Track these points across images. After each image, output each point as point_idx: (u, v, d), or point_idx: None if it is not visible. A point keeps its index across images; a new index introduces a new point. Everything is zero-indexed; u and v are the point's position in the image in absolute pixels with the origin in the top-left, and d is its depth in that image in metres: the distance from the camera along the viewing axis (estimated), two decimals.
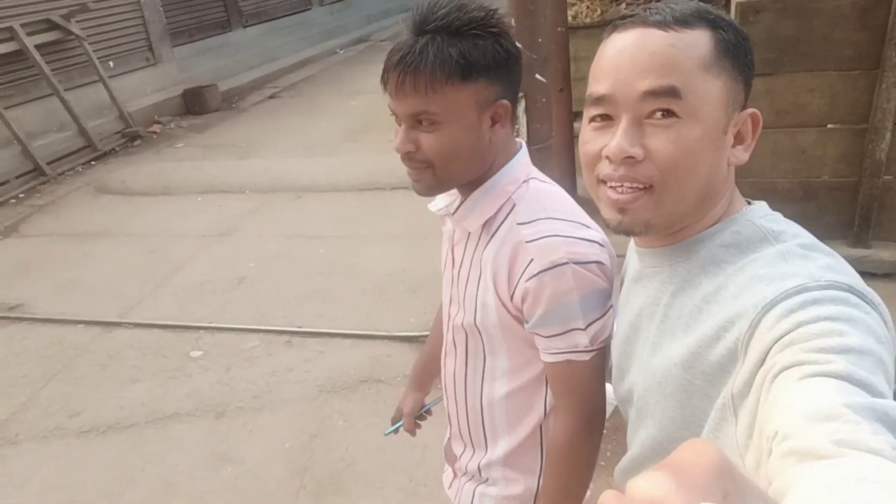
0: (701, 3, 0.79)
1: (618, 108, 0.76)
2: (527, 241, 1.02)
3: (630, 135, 0.75)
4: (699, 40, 0.74)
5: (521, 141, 1.14)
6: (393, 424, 1.54)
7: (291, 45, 10.51)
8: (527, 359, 1.13)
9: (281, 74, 9.46)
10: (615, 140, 0.75)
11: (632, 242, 0.92)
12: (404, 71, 0.96)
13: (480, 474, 1.27)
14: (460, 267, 1.17)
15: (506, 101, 1.04)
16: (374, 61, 9.69)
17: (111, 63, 6.89)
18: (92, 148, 6.41)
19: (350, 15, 12.83)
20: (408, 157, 1.03)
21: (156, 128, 7.11)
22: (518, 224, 1.05)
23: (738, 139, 0.79)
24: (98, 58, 6.68)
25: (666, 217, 0.78)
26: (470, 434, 1.26)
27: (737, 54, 0.77)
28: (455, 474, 1.35)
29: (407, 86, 0.97)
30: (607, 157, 0.77)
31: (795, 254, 0.72)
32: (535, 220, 1.04)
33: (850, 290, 0.66)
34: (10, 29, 5.96)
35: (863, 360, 0.58)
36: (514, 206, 1.07)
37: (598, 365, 1.08)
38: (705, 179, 0.76)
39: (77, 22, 6.54)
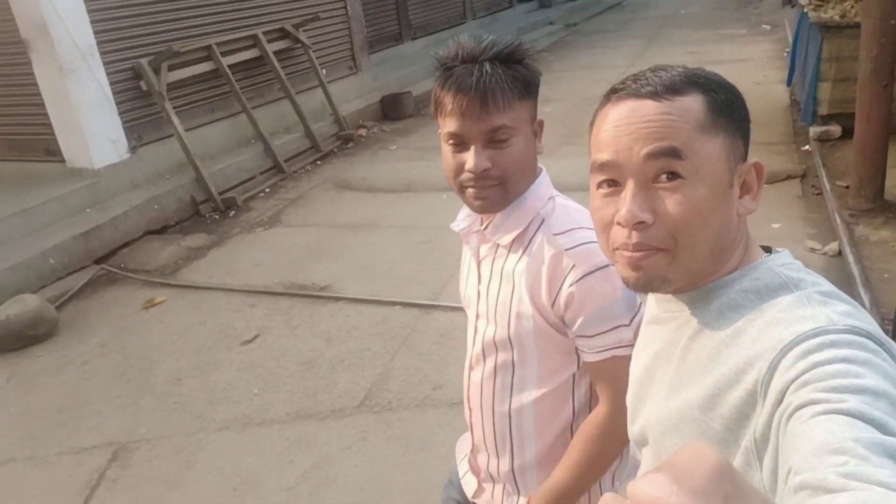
0: (689, 68, 0.81)
1: (623, 173, 0.77)
2: (566, 249, 1.11)
3: (639, 199, 0.76)
4: (692, 105, 0.76)
5: (542, 166, 1.23)
6: None
7: None
8: (557, 365, 1.19)
9: None
10: (625, 206, 0.76)
11: None
12: (484, 91, 1.07)
13: (516, 481, 1.29)
14: (489, 282, 1.22)
15: (542, 119, 1.18)
16: (544, 71, 9.64)
17: (323, 71, 7.28)
18: (316, 149, 6.78)
19: (500, 28, 13.05)
20: (482, 176, 1.11)
21: (362, 132, 7.45)
22: (554, 235, 1.13)
23: (745, 189, 0.80)
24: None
25: (681, 273, 0.78)
26: (496, 443, 1.28)
27: (730, 112, 0.78)
28: (480, 485, 1.37)
29: (489, 104, 1.07)
30: (619, 223, 0.77)
31: (815, 300, 0.71)
32: (570, 230, 1.13)
33: (869, 336, 0.65)
34: (255, 37, 6.42)
35: (878, 401, 0.58)
36: (544, 220, 1.15)
37: None
38: (717, 234, 0.76)
39: (303, 31, 6.97)
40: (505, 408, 1.24)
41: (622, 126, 0.77)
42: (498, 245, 1.20)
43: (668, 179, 0.75)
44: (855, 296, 3.25)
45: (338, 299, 3.96)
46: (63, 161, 5.15)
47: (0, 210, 4.59)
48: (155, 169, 5.50)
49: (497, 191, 1.12)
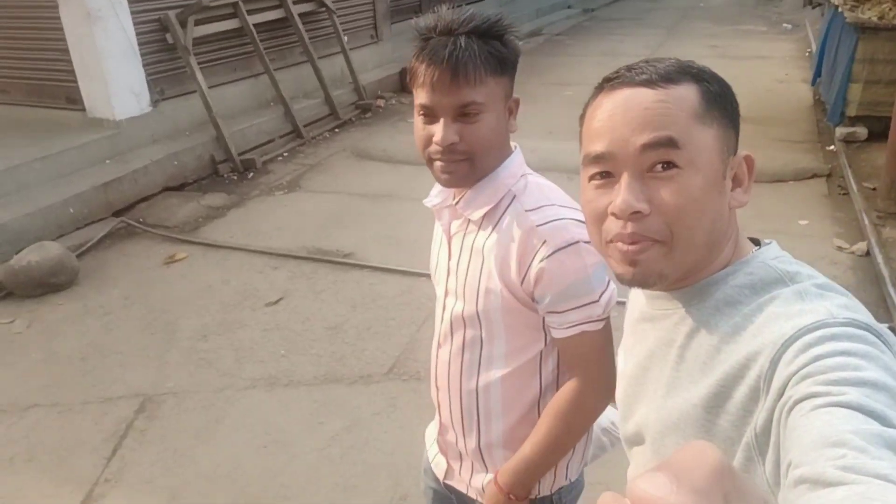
0: (681, 60, 0.81)
1: (618, 165, 0.77)
2: (537, 225, 1.10)
3: (634, 190, 0.75)
4: (687, 93, 0.76)
5: (516, 143, 1.22)
6: None
7: None
8: (525, 342, 1.19)
9: None
10: (620, 196, 0.75)
11: None
12: (455, 65, 1.05)
13: (483, 459, 1.29)
14: (459, 258, 1.22)
15: (517, 97, 1.17)
16: (562, 54, 9.74)
17: (345, 37, 7.17)
18: (334, 116, 6.71)
19: (520, 8, 12.90)
20: (449, 150, 1.10)
21: (380, 102, 7.37)
22: (526, 211, 1.12)
23: (737, 182, 0.80)
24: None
25: (678, 267, 0.77)
26: (462, 421, 1.28)
27: (723, 103, 0.78)
28: (450, 465, 1.37)
29: (460, 78, 1.06)
30: (613, 214, 0.77)
31: (812, 293, 0.71)
32: (541, 207, 1.13)
33: (868, 328, 0.66)
34: None
35: (877, 393, 0.58)
36: (515, 196, 1.15)
37: (608, 332, 1.17)
38: (712, 225, 0.76)
39: None
40: (472, 385, 1.24)
41: (617, 115, 0.76)
42: (469, 220, 1.20)
43: (664, 169, 0.74)
44: (885, 295, 3.27)
45: (362, 267, 3.95)
46: (83, 110, 5.07)
47: (22, 154, 4.51)
48: (175, 125, 5.43)
49: (464, 165, 1.12)
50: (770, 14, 12.39)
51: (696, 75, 0.78)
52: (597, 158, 0.78)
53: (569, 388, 1.17)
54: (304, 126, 6.29)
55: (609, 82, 0.80)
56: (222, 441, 2.66)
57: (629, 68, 0.79)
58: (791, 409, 0.61)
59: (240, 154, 5.53)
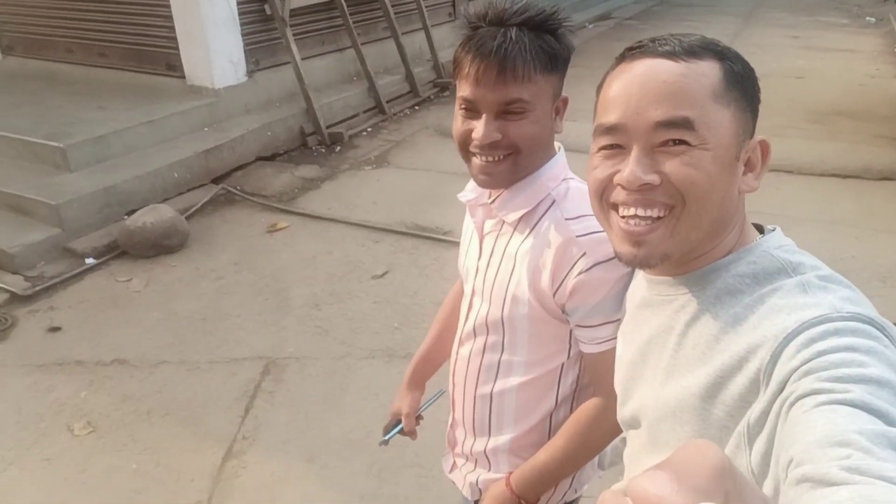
0: (706, 37, 0.78)
1: (629, 138, 0.75)
2: (577, 236, 1.05)
3: (643, 163, 0.74)
4: (709, 70, 0.74)
5: (560, 144, 1.16)
6: (388, 431, 1.49)
7: None
8: (547, 353, 1.15)
9: None
10: (628, 168, 0.74)
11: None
12: (504, 59, 0.99)
13: (487, 460, 1.27)
14: (490, 258, 1.17)
15: (566, 96, 1.10)
16: (634, 39, 9.53)
17: (426, 15, 7.15)
18: (414, 93, 6.72)
19: None
20: (491, 147, 1.04)
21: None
22: (566, 219, 1.06)
23: (749, 167, 0.78)
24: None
25: (681, 245, 0.76)
26: (474, 422, 1.26)
27: (745, 85, 0.76)
28: (455, 461, 1.37)
29: (507, 73, 0.99)
30: (620, 185, 0.76)
31: (815, 285, 0.70)
32: (581, 216, 1.06)
33: (871, 322, 0.65)
34: None
35: (881, 390, 0.57)
36: (555, 202, 1.09)
37: None
38: (719, 205, 0.74)
39: None
40: (487, 389, 1.22)
41: (634, 85, 0.75)
42: (504, 222, 1.15)
43: (675, 145, 0.73)
44: None
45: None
46: (183, 77, 5.17)
47: (129, 118, 4.64)
48: (267, 96, 5.50)
49: (504, 165, 1.06)
50: (850, 6, 11.95)
51: (720, 53, 0.76)
52: (608, 130, 0.77)
53: (591, 404, 1.14)
54: (386, 102, 6.31)
55: (631, 51, 0.79)
56: (350, 408, 2.73)
57: (653, 39, 0.78)
58: (793, 404, 0.60)
59: (327, 127, 5.59)
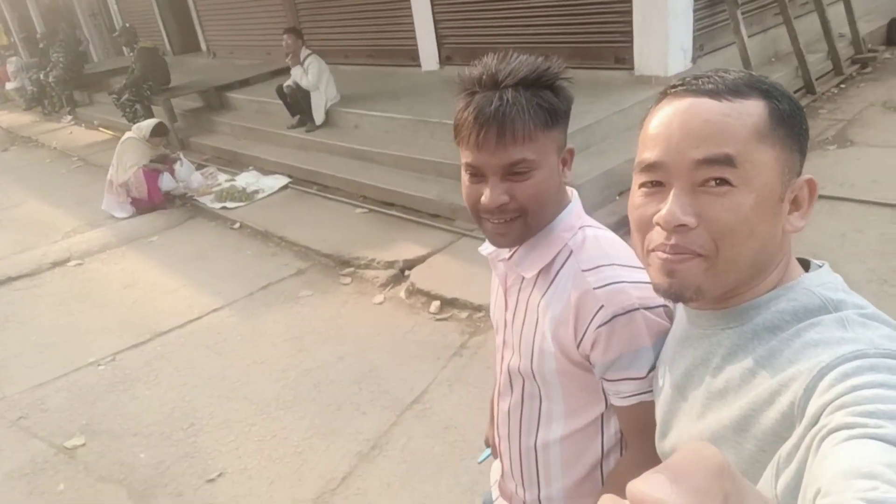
0: (753, 73, 0.77)
1: (669, 176, 0.74)
2: (594, 288, 1.02)
3: (682, 202, 0.73)
4: (753, 110, 0.73)
5: (574, 190, 1.14)
6: (484, 451, 1.54)
7: None
8: (583, 403, 1.13)
9: None
10: (667, 207, 0.73)
11: None
12: (503, 122, 0.97)
13: None
14: (514, 312, 1.16)
15: (572, 146, 1.08)
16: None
17: None
18: (836, 71, 6.25)
19: None
20: (500, 210, 1.02)
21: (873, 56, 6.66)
22: (583, 270, 1.04)
23: (795, 206, 0.76)
24: None
25: (718, 284, 0.75)
26: (522, 474, 1.24)
27: (791, 124, 0.74)
28: None
29: (507, 136, 0.98)
30: (658, 224, 0.75)
31: (855, 322, 0.69)
32: (598, 267, 1.04)
33: None
34: None
35: None
36: (572, 252, 1.08)
37: None
38: (760, 247, 0.74)
39: None
40: (531, 442, 1.20)
41: (675, 123, 0.74)
42: (523, 276, 1.13)
43: (717, 185, 0.72)
44: None
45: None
46: (630, 69, 5.40)
47: (600, 110, 4.97)
48: None
49: (517, 225, 1.05)
50: None
51: (766, 91, 0.75)
52: (649, 167, 0.76)
53: (626, 460, 1.13)
54: (816, 80, 5.94)
55: (674, 88, 0.78)
56: None
57: (696, 77, 0.77)
58: (824, 437, 0.58)
59: None
